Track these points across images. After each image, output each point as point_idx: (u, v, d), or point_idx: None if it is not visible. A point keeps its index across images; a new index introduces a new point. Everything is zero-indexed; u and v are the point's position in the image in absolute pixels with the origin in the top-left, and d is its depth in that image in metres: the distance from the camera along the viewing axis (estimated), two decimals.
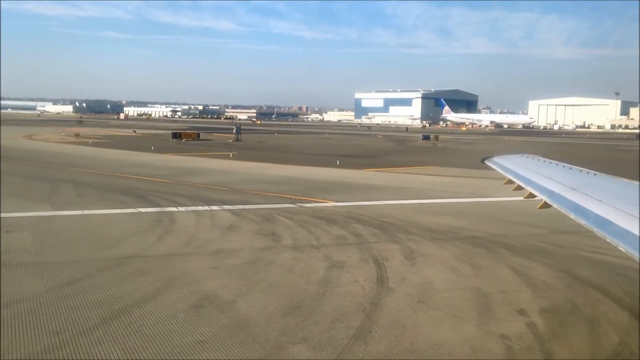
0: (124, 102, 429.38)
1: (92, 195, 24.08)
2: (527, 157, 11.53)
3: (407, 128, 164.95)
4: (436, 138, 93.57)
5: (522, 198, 9.08)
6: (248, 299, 10.57)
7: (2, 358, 7.52)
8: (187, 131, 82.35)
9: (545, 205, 7.52)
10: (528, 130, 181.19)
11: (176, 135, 74.59)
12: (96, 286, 11.26)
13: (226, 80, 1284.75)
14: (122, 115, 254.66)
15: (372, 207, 22.44)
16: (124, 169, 35.38)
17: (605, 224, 5.44)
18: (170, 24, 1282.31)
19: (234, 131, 79.07)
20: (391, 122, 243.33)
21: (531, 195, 8.39)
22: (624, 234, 5.00)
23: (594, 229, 5.54)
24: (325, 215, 19.95)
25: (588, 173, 8.27)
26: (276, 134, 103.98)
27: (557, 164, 9.72)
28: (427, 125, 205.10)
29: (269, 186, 28.07)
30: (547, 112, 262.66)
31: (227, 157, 46.78)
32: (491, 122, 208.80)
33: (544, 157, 11.38)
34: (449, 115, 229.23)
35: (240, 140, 73.11)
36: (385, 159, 49.89)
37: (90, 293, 10.78)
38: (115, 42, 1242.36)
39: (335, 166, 40.80)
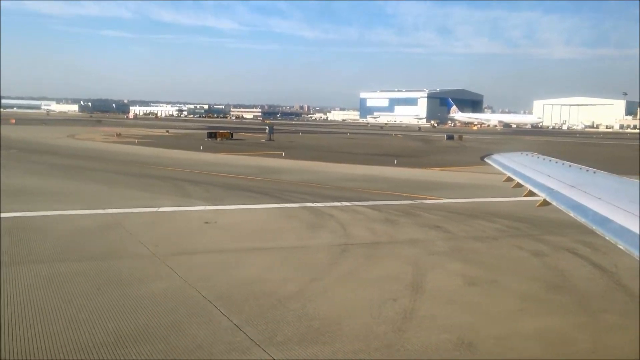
0: (125, 100, 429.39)
1: (219, 192, 25.67)
2: (527, 154, 11.70)
3: (419, 128, 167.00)
4: (460, 138, 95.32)
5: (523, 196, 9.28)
6: (509, 278, 12.27)
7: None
8: (221, 131, 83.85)
9: (545, 203, 7.63)
10: (540, 130, 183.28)
11: (211, 135, 76.19)
12: (359, 266, 12.96)
13: (227, 80, 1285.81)
14: (131, 115, 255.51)
15: (490, 204, 24.07)
16: (206, 167, 36.96)
17: (604, 221, 5.50)
18: (171, 23, 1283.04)
19: (266, 131, 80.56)
20: (397, 122, 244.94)
21: (531, 193, 8.51)
22: (623, 231, 5.02)
23: (593, 227, 5.59)
24: (460, 211, 21.57)
25: (587, 171, 8.43)
26: (300, 133, 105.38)
27: (556, 162, 9.84)
28: (436, 125, 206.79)
29: (364, 184, 29.58)
30: (552, 112, 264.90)
31: (280, 157, 47.93)
32: (499, 121, 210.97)
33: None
34: (457, 115, 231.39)
35: (273, 140, 74.35)
36: (431, 158, 51.33)
37: (365, 270, 12.50)
38: (115, 40, 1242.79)
39: (395, 165, 42.29)
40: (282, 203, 22.45)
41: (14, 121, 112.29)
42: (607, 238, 5.18)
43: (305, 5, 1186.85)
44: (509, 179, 9.91)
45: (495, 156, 12.11)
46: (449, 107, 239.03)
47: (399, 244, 15.70)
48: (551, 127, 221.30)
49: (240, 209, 21.17)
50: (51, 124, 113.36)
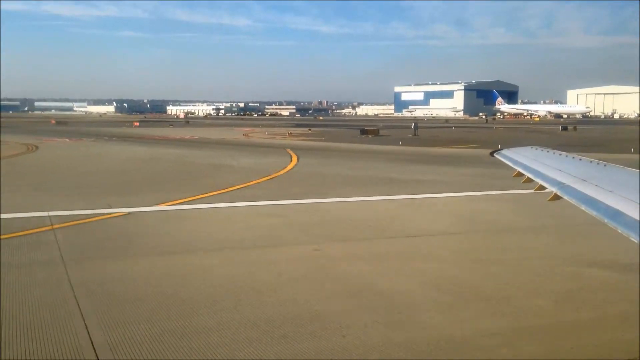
0: (145, 100, 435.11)
1: None
2: (536, 149, 11.43)
3: (486, 120, 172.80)
4: (575, 129, 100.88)
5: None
6: None
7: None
8: (371, 128, 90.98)
9: (556, 197, 7.48)
10: (599, 120, 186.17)
11: (364, 132, 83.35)
12: None
13: (244, 77, 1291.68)
14: (181, 115, 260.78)
15: None
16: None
17: (616, 215, 5.45)
18: (187, 22, 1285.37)
19: (412, 127, 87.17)
20: (434, 115, 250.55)
21: (541, 188, 8.39)
22: (635, 224, 5.01)
23: (605, 221, 5.52)
24: None
25: (598, 164, 8.25)
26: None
27: (566, 156, 9.66)
28: (484, 116, 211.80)
29: None
30: (585, 101, 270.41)
31: (484, 148, 51.62)
32: (549, 112, 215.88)
33: None
34: (503, 106, 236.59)
35: (418, 135, 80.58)
36: (608, 147, 54.29)
37: None
38: (132, 41, 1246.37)
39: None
40: None
41: (137, 124, 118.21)
42: (620, 231, 5.12)
43: (321, 0, 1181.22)
44: (519, 174, 9.81)
45: (505, 151, 11.91)
46: (494, 98, 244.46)
47: None
48: (603, 117, 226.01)
49: None
50: (178, 125, 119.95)
